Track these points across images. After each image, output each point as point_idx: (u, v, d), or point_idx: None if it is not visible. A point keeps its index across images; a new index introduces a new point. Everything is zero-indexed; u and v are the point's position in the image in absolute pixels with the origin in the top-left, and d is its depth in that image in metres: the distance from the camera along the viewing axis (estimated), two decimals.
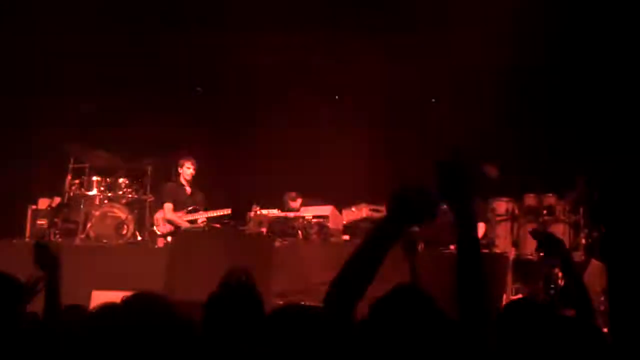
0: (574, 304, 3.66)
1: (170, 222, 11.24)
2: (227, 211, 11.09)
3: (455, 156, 2.70)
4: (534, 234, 4.18)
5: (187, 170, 11.38)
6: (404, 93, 13.47)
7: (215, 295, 3.67)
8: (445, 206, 2.76)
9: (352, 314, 2.64)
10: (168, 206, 11.23)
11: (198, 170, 11.72)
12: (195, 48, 13.45)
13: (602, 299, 10.15)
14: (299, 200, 12.36)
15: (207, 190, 12.04)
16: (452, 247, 10.30)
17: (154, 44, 13.40)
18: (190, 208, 11.49)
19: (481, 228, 10.72)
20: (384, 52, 13.37)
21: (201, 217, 11.32)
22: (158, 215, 11.45)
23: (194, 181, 11.69)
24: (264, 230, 11.03)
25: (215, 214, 11.31)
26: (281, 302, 5.72)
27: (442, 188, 2.81)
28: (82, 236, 11.38)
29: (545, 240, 3.97)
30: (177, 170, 11.52)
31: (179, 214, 11.38)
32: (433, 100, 14.56)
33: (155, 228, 11.26)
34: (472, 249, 2.80)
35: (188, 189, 11.49)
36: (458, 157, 2.67)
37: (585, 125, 13.27)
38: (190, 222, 11.34)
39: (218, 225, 10.57)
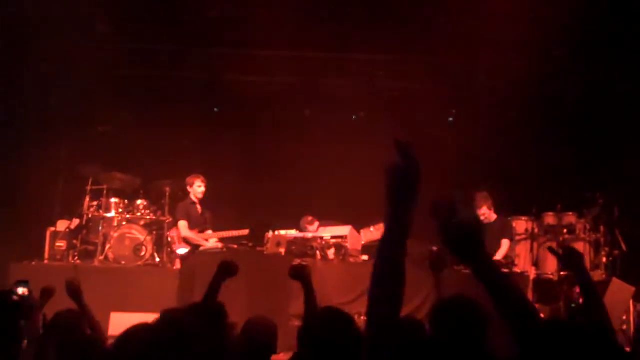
0: (588, 314, 3.61)
1: (186, 240, 11.15)
2: (245, 232, 11.04)
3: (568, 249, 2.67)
4: (552, 250, 4.16)
5: (198, 188, 11.26)
6: (421, 111, 13.42)
7: None
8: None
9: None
10: (183, 224, 11.10)
11: (215, 192, 11.68)
12: (212, 67, 13.47)
13: (625, 317, 10.11)
14: (316, 224, 12.30)
15: (223, 211, 12.02)
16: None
17: (171, 64, 13.44)
18: (205, 231, 11.44)
19: (505, 245, 10.64)
20: (401, 70, 13.38)
21: (219, 236, 11.25)
22: (173, 234, 11.32)
23: (204, 200, 11.60)
24: (282, 251, 10.98)
25: (233, 235, 11.27)
26: (298, 324, 5.67)
27: (454, 250, 2.70)
28: (101, 258, 11.40)
29: (564, 252, 3.94)
30: (186, 189, 11.43)
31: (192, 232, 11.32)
32: (450, 119, 14.52)
33: (173, 247, 11.14)
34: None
35: (199, 208, 11.43)
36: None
37: (605, 145, 13.21)
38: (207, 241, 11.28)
39: (236, 247, 10.50)
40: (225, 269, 4.72)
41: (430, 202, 2.86)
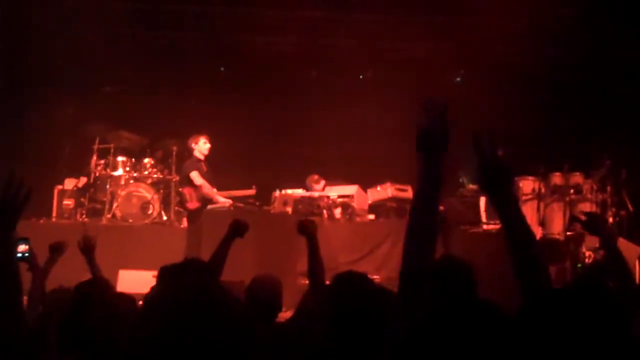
0: (616, 280, 3.63)
1: (202, 190, 10.86)
2: (252, 191, 11.04)
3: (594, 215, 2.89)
4: (575, 218, 4.19)
5: (203, 145, 10.99)
6: (429, 72, 13.35)
7: None
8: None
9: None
10: (196, 174, 10.83)
11: (221, 151, 11.61)
12: (220, 27, 13.38)
13: None
14: (322, 182, 12.31)
15: (229, 171, 12.01)
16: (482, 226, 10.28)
17: (178, 24, 13.36)
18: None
19: None
20: (409, 31, 13.28)
21: (226, 195, 11.15)
22: (186, 191, 11.01)
23: (209, 161, 11.47)
24: (289, 210, 11.00)
25: (239, 194, 11.24)
26: (306, 282, 5.70)
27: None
28: (109, 216, 11.45)
29: (588, 218, 3.94)
30: (191, 149, 11.23)
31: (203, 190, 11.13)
32: (458, 79, 14.46)
33: (185, 204, 10.96)
34: (618, 259, 3.11)
35: (204, 166, 11.20)
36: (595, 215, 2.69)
37: (612, 105, 13.17)
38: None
39: (242, 205, 10.51)
40: (236, 228, 4.71)
41: (472, 134, 2.97)
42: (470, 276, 3.95)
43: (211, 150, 11.15)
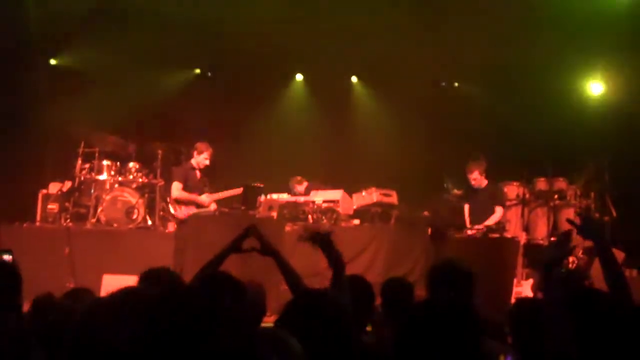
0: (611, 287, 3.65)
1: (177, 201, 10.79)
2: (239, 190, 10.95)
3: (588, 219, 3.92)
4: (570, 221, 4.23)
5: (203, 160, 10.64)
6: (415, 76, 13.38)
7: None
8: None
9: None
10: (176, 185, 10.58)
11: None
12: (205, 29, 13.37)
13: None
14: (305, 184, 12.33)
15: (214, 174, 11.95)
16: (466, 231, 10.30)
17: (163, 25, 13.34)
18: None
19: (499, 212, 10.66)
20: (396, 34, 13.32)
21: (215, 197, 10.91)
22: (207, 199, 10.70)
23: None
24: (274, 214, 11.00)
25: (227, 195, 11.09)
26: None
27: (586, 232, 3.87)
28: (93, 220, 11.42)
29: (583, 221, 3.95)
30: (190, 153, 11.08)
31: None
32: (443, 83, 14.51)
33: (173, 212, 10.64)
34: (612, 263, 3.71)
35: (198, 173, 11.04)
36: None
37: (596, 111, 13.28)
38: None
39: (228, 210, 10.47)
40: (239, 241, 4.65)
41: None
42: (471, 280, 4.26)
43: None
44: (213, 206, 10.64)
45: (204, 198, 10.55)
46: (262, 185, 10.88)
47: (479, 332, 2.65)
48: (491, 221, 10.41)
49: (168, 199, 10.78)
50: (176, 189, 10.49)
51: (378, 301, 5.02)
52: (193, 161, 10.63)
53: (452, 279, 4.14)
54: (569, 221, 4.29)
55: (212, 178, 11.07)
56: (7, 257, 4.43)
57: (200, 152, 10.59)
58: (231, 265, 8.36)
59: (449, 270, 4.29)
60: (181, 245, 10.02)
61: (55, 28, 12.90)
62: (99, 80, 13.37)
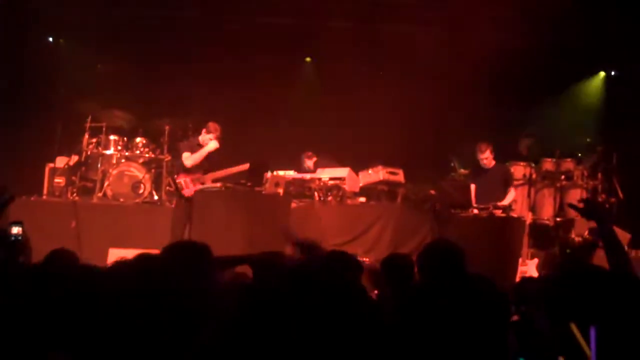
0: (614, 267, 3.67)
1: (192, 165, 10.53)
2: (245, 166, 10.93)
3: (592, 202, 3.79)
4: (572, 206, 4.28)
5: (211, 142, 10.39)
6: (422, 57, 13.32)
7: None
8: None
9: None
10: (186, 154, 10.34)
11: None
12: (215, 7, 13.35)
13: None
14: (314, 159, 12.35)
15: (222, 151, 11.93)
16: (472, 210, 10.30)
17: (172, 2, 13.32)
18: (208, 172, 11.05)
19: (512, 193, 10.66)
20: (403, 14, 13.28)
21: (221, 174, 10.79)
22: (182, 179, 10.40)
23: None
24: (280, 191, 10.99)
25: (233, 171, 11.03)
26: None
27: (589, 215, 4.01)
28: (100, 194, 11.44)
29: (585, 204, 3.98)
30: (197, 129, 10.95)
31: (196, 175, 10.82)
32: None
33: (183, 192, 10.27)
34: (615, 244, 3.70)
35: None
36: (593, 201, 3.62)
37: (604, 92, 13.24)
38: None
39: (234, 186, 10.41)
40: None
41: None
42: (461, 257, 4.21)
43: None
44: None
45: (212, 145, 10.36)
46: (266, 163, 10.88)
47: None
48: (507, 201, 10.42)
49: (176, 177, 10.54)
50: (187, 157, 10.31)
51: None
52: (200, 138, 10.52)
53: (441, 261, 4.12)
54: (571, 205, 4.37)
55: (219, 156, 11.02)
56: (17, 229, 4.48)
57: (208, 132, 10.49)
58: (238, 240, 8.44)
59: (437, 252, 4.25)
60: (181, 221, 10.00)
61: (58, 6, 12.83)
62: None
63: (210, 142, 10.39)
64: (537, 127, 12.69)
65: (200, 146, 10.48)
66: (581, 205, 3.99)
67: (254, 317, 2.30)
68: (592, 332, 2.94)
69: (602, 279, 3.07)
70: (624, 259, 3.70)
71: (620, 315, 2.86)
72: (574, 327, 3.08)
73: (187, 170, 10.30)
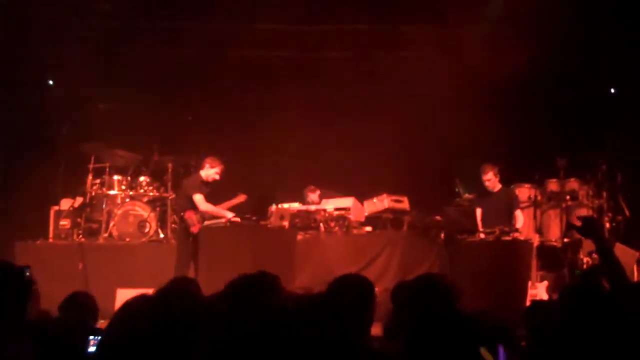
0: (611, 282, 3.70)
1: (205, 214, 10.57)
2: (242, 198, 10.92)
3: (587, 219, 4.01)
4: (571, 225, 4.39)
5: (214, 174, 10.46)
6: (422, 86, 13.33)
7: None
8: None
9: None
10: (199, 197, 10.30)
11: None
12: (214, 43, 13.41)
13: None
14: (318, 192, 12.33)
15: (225, 185, 11.91)
16: (479, 235, 10.26)
17: (171, 40, 13.39)
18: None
19: (520, 216, 10.65)
20: (403, 44, 13.33)
21: (224, 208, 10.76)
22: (190, 216, 10.29)
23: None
24: (285, 224, 10.98)
25: (232, 204, 10.99)
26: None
27: (585, 233, 4.14)
28: (105, 235, 11.43)
29: (582, 221, 4.00)
30: (199, 165, 10.93)
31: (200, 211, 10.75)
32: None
33: (190, 229, 10.20)
34: (612, 261, 3.79)
35: (206, 187, 10.81)
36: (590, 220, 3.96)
37: (606, 109, 13.23)
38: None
39: (239, 220, 10.40)
40: None
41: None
42: (450, 292, 4.14)
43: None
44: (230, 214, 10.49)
45: (228, 213, 10.36)
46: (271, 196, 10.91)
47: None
48: (519, 224, 10.42)
49: (182, 214, 10.49)
50: (202, 201, 10.29)
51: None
52: (203, 174, 10.49)
53: (429, 295, 4.08)
54: (569, 224, 4.53)
55: (223, 189, 11.01)
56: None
57: (212, 166, 10.47)
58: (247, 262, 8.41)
59: (424, 286, 4.21)
60: (186, 258, 10.00)
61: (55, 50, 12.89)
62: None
63: (228, 213, 10.36)
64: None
65: (204, 182, 10.47)
66: (579, 223, 4.01)
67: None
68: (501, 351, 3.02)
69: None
70: (621, 273, 3.74)
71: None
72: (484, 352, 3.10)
73: (194, 207, 10.28)
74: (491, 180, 10.76)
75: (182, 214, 10.40)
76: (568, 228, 10.72)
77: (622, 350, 2.95)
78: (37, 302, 4.56)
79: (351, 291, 3.88)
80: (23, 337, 3.40)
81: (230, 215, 10.20)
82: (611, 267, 3.74)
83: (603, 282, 3.93)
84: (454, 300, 4.07)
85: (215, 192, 10.82)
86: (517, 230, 10.35)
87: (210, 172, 10.46)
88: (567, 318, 3.25)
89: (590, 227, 3.98)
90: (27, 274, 4.44)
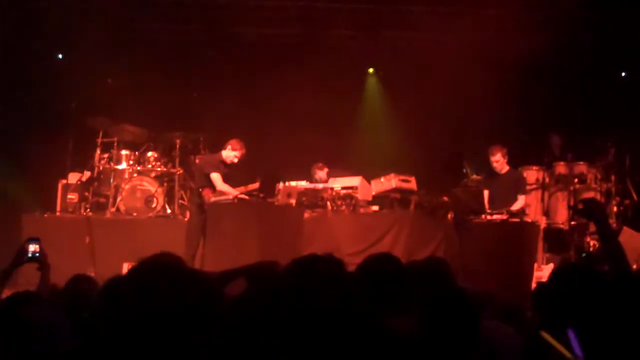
0: (611, 264, 3.71)
1: (220, 193, 10.46)
2: (256, 185, 10.92)
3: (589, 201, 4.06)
4: (572, 208, 4.42)
5: (234, 157, 10.52)
6: (434, 66, 13.28)
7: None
8: None
9: None
10: (216, 176, 10.37)
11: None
12: (223, 19, 13.37)
13: (635, 266, 10.14)
14: (326, 170, 12.31)
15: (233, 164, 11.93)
16: (483, 216, 10.24)
17: (180, 16, 13.36)
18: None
19: (522, 200, 10.62)
20: (412, 22, 13.27)
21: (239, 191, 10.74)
22: (206, 193, 10.33)
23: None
24: (293, 202, 10.98)
25: (246, 190, 11.01)
26: None
27: (587, 215, 4.11)
28: (113, 209, 11.46)
29: (584, 204, 3.99)
30: (209, 143, 10.90)
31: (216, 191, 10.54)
32: None
33: (205, 206, 10.24)
34: (613, 241, 3.82)
35: (223, 168, 10.79)
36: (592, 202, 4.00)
37: (615, 92, 13.17)
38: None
39: (246, 197, 10.41)
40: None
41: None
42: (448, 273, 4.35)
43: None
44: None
45: (234, 191, 10.33)
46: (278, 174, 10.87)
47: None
48: (515, 207, 10.39)
49: (200, 190, 10.46)
50: (219, 180, 10.32)
51: None
52: (223, 154, 10.53)
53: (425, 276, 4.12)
54: (570, 207, 4.56)
55: (231, 167, 11.01)
56: (34, 246, 4.44)
57: (234, 149, 10.50)
58: (252, 252, 8.43)
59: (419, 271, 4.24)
60: (196, 234, 10.04)
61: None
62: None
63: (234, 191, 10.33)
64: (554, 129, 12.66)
65: (222, 162, 10.49)
66: (581, 206, 4.01)
67: (245, 329, 2.29)
68: (572, 334, 3.00)
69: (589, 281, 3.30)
70: (620, 253, 3.76)
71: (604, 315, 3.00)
72: (546, 335, 3.11)
73: (211, 185, 10.30)
74: (499, 161, 10.73)
75: (200, 190, 10.40)
76: (573, 211, 10.71)
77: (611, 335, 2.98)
78: (47, 275, 4.55)
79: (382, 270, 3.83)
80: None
81: (236, 193, 10.21)
82: (611, 251, 3.74)
83: (604, 267, 3.94)
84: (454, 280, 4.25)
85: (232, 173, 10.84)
86: (524, 211, 10.33)
87: (230, 154, 10.49)
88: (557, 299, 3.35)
89: (592, 210, 3.96)
90: (38, 246, 4.44)
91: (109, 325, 2.03)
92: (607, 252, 3.77)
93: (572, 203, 11.31)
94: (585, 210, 3.96)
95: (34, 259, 4.42)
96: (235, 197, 10.05)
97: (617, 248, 3.77)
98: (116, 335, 2.01)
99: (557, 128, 11.92)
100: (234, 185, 10.62)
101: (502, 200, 10.48)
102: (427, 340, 2.75)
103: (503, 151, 10.77)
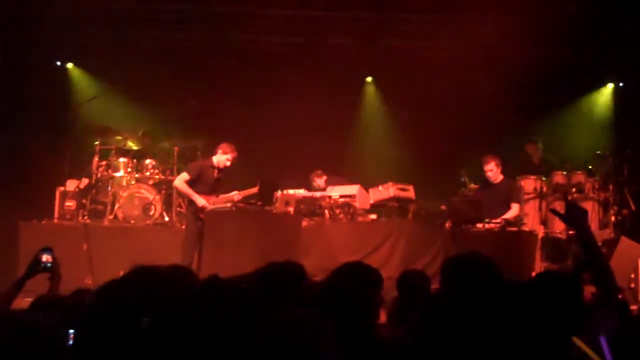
0: (593, 272, 3.74)
1: (176, 191, 10.83)
2: (255, 190, 10.91)
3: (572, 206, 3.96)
4: (554, 211, 4.37)
5: (225, 161, 10.52)
6: (432, 74, 13.29)
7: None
8: None
9: None
10: (183, 175, 10.50)
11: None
12: (221, 26, 13.38)
13: (633, 276, 10.14)
14: (324, 178, 12.33)
15: (231, 170, 11.91)
16: (478, 225, 10.24)
17: (177, 24, 13.36)
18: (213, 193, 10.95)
19: (515, 208, 10.62)
20: (413, 32, 13.29)
21: (232, 199, 10.78)
22: (202, 201, 10.33)
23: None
24: (290, 210, 10.99)
25: (245, 194, 11.02)
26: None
27: (567, 221, 4.26)
28: (110, 217, 11.46)
29: (566, 209, 3.95)
30: (206, 149, 10.95)
31: (210, 197, 10.52)
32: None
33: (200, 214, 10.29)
34: (593, 247, 3.78)
35: (216, 172, 10.71)
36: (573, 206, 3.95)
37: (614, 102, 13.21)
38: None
39: (244, 206, 10.42)
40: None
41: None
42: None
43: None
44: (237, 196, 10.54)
45: (201, 200, 10.31)
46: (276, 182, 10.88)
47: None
48: (508, 215, 10.39)
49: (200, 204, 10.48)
50: (180, 178, 10.43)
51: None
52: (214, 159, 10.55)
53: (466, 273, 4.13)
54: (552, 211, 4.51)
55: (229, 174, 11.01)
56: (46, 256, 4.44)
57: (225, 152, 10.50)
58: (250, 261, 8.41)
59: (462, 264, 4.26)
60: (193, 241, 10.03)
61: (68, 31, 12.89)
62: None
63: (201, 200, 10.30)
64: (547, 139, 12.68)
65: (212, 168, 10.52)
66: (562, 211, 3.98)
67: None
68: (603, 341, 3.00)
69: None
70: (602, 261, 3.83)
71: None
72: (578, 341, 3.10)
73: (208, 192, 10.33)
74: (493, 171, 10.74)
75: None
76: (552, 213, 10.71)
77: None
78: (57, 284, 4.55)
79: (354, 279, 3.85)
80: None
81: (202, 202, 10.21)
82: (592, 253, 3.72)
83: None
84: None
85: (224, 178, 10.85)
86: (521, 220, 10.34)
87: (222, 158, 10.50)
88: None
89: (573, 216, 3.91)
90: (51, 256, 4.43)
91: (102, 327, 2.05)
92: (589, 262, 3.75)
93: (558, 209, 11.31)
94: (567, 216, 3.92)
95: (47, 269, 4.42)
96: (233, 204, 10.07)
97: (598, 256, 3.77)
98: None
99: (532, 138, 12.00)
100: (230, 190, 10.65)
101: (495, 209, 10.46)
102: (418, 349, 2.72)
103: (496, 160, 10.77)
